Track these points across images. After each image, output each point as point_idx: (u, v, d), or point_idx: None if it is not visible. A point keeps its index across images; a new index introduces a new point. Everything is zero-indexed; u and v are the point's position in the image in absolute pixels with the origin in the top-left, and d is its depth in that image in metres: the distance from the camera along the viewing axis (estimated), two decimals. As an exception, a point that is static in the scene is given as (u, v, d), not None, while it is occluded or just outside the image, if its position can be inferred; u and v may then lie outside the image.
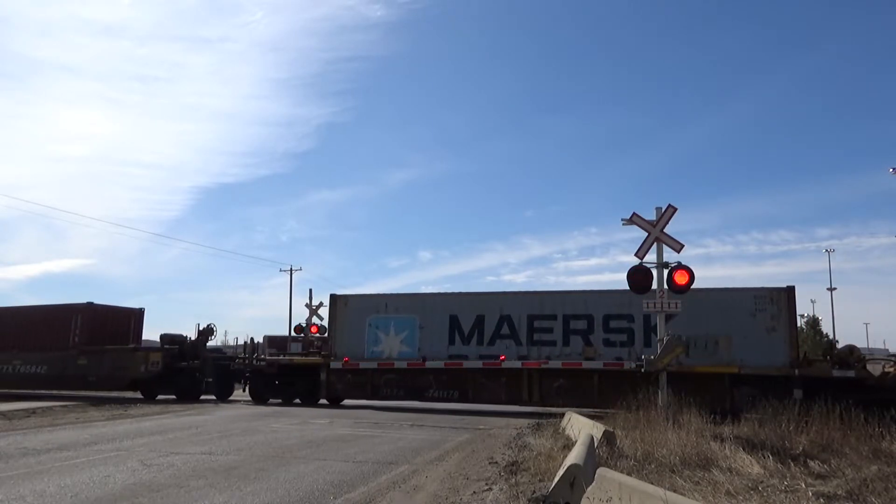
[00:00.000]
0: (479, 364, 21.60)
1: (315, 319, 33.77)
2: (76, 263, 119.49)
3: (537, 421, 16.18)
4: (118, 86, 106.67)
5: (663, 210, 14.04)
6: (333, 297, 23.89)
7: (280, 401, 24.04)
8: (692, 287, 20.22)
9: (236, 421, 17.34)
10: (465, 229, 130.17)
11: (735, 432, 11.61)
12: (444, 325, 22.20)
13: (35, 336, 27.53)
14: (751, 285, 21.07)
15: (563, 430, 13.61)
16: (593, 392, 20.01)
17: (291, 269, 53.00)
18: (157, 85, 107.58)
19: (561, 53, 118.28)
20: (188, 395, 25.55)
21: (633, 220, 14.21)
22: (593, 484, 5.74)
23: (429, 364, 22.05)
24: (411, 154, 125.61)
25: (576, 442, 9.12)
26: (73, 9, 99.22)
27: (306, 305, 34.50)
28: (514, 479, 8.65)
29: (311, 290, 35.20)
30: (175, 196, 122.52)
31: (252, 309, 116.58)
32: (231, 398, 26.38)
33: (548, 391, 20.91)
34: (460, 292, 23.65)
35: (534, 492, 7.56)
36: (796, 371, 18.69)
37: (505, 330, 21.69)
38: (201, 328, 27.36)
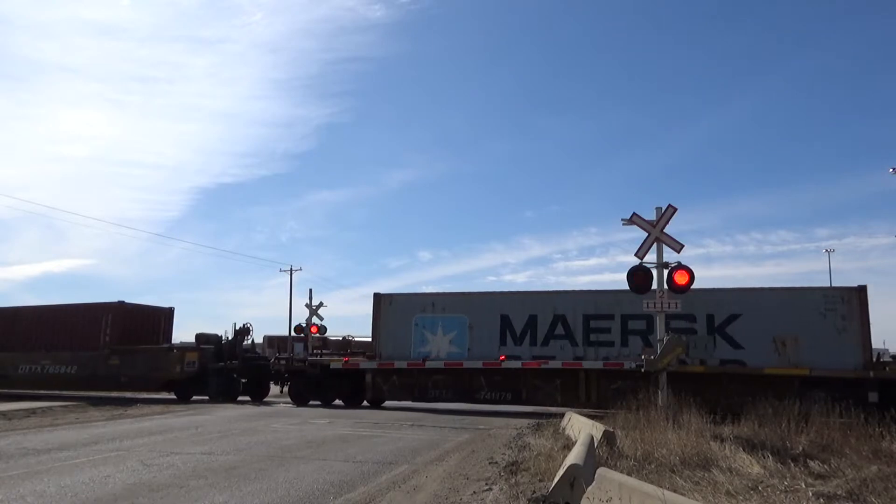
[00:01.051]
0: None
1: (315, 319, 33.78)
2: (76, 263, 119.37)
3: (537, 421, 16.18)
4: (118, 86, 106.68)
5: (663, 210, 14.03)
6: (377, 296, 23.03)
7: (319, 402, 23.41)
8: (760, 287, 20.01)
9: (236, 421, 17.34)
10: (465, 229, 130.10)
11: (735, 432, 11.61)
12: (494, 326, 21.50)
13: (64, 335, 26.78)
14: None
15: (563, 430, 13.61)
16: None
17: (291, 270, 52.94)
18: (157, 86, 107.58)
19: (561, 53, 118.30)
20: (225, 395, 24.83)
21: (633, 220, 14.20)
22: (593, 484, 5.74)
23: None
24: (411, 154, 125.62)
25: (576, 442, 9.12)
26: (73, 10, 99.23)
27: (306, 305, 34.49)
28: (514, 479, 8.65)
29: (311, 290, 35.21)
30: (175, 196, 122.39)
31: (252, 309, 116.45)
32: (266, 399, 25.72)
33: (605, 393, 19.79)
34: (512, 291, 22.68)
35: (534, 492, 7.57)
36: (871, 373, 17.97)
37: (559, 330, 20.97)
38: (237, 327, 26.49)
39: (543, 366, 20.71)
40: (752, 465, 8.59)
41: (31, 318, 28.24)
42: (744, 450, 9.55)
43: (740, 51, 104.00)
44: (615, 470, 6.75)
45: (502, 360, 21.61)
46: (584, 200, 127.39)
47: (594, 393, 20.28)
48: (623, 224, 14.30)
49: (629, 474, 6.80)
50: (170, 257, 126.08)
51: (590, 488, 5.73)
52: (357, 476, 9.14)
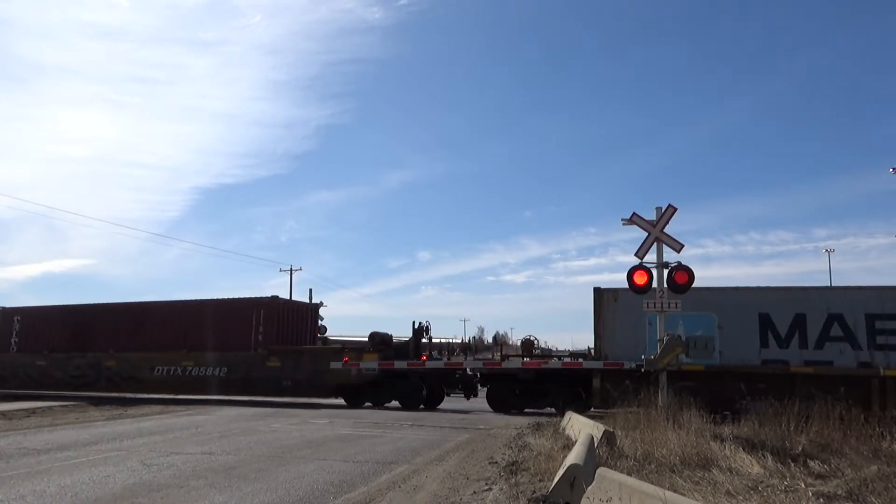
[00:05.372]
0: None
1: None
2: (76, 263, 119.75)
3: (537, 421, 16.18)
4: (119, 88, 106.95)
5: (663, 210, 14.04)
6: (598, 291, 20.57)
7: (515, 410, 21.05)
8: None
9: (236, 421, 17.34)
10: (464, 230, 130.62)
11: (735, 432, 11.60)
12: (752, 325, 19.17)
13: (209, 334, 24.45)
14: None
15: (563, 430, 13.61)
16: None
17: (291, 270, 53.12)
18: (157, 87, 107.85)
19: (560, 54, 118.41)
20: (408, 402, 22.24)
21: (634, 220, 14.20)
22: (593, 484, 5.73)
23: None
24: (410, 155, 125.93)
25: (576, 442, 9.12)
26: (73, 12, 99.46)
27: (307, 305, 34.46)
28: (514, 479, 8.64)
29: (311, 290, 35.39)
30: (175, 197, 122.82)
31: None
32: (438, 406, 22.96)
33: None
34: (772, 287, 20.54)
35: (534, 492, 7.56)
36: None
37: (836, 331, 18.72)
38: (416, 326, 23.92)
39: (820, 371, 18.22)
40: (752, 465, 8.59)
41: (163, 314, 26.16)
42: (744, 450, 9.55)
43: (740, 51, 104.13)
44: (615, 470, 6.74)
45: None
46: (584, 200, 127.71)
47: (891, 403, 17.60)
48: (623, 224, 14.30)
49: (629, 474, 6.80)
50: (170, 257, 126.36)
51: (590, 488, 5.72)
52: (357, 476, 9.14)
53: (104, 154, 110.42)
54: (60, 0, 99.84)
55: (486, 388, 22.11)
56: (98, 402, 22.60)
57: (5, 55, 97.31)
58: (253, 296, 25.18)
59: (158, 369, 25.08)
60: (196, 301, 26.51)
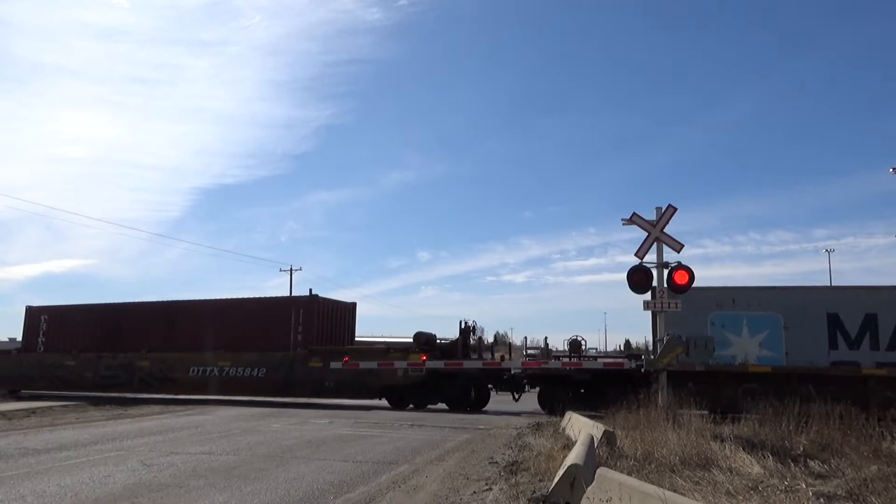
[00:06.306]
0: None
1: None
2: (76, 264, 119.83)
3: (537, 421, 16.18)
4: (119, 88, 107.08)
5: (663, 210, 14.04)
6: (655, 290, 20.16)
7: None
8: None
9: (236, 421, 17.33)
10: (464, 230, 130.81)
11: (735, 432, 11.60)
12: (819, 326, 18.77)
13: (246, 334, 23.99)
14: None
15: (563, 430, 13.61)
16: None
17: (291, 270, 53.07)
18: (157, 87, 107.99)
19: (559, 54, 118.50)
20: (456, 404, 21.66)
21: (634, 219, 14.20)
22: (593, 484, 5.73)
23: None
24: (410, 155, 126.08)
25: (576, 442, 9.11)
26: (73, 13, 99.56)
27: (307, 306, 34.30)
28: (514, 479, 8.64)
29: (310, 290, 35.18)
30: (175, 197, 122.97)
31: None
32: (484, 409, 22.25)
33: None
34: (841, 286, 20.19)
35: (534, 492, 7.56)
36: None
37: None
38: (463, 325, 23.23)
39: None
40: (752, 465, 8.58)
41: (198, 314, 25.44)
42: (744, 450, 9.54)
43: (739, 51, 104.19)
44: (615, 470, 6.74)
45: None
46: (583, 201, 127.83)
47: None
48: (623, 224, 14.31)
49: (629, 474, 6.79)
50: (170, 257, 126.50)
51: (590, 488, 5.72)
52: (357, 476, 9.14)
53: (104, 154, 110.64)
54: (60, 1, 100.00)
55: (536, 390, 21.62)
56: (98, 402, 22.56)
57: (5, 56, 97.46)
58: (292, 294, 25.37)
59: (194, 370, 24.40)
60: (232, 300, 25.87)
